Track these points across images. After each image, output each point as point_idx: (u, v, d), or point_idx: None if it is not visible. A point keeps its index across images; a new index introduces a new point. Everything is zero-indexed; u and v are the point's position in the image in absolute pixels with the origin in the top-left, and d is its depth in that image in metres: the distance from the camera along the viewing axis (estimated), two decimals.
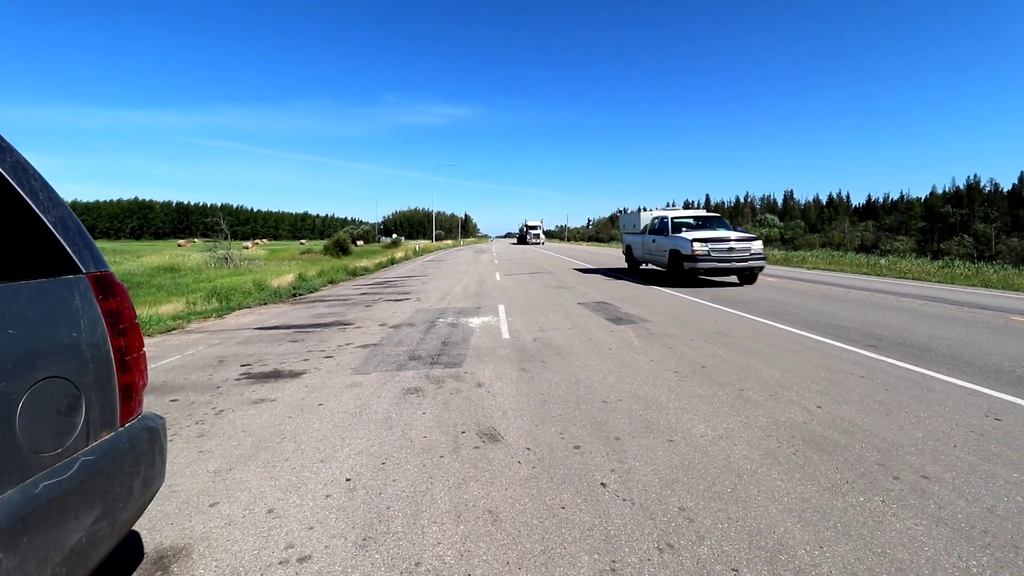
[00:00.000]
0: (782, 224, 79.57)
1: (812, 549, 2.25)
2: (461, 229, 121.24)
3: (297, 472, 3.17)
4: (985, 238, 44.74)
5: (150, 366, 6.09)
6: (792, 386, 4.64)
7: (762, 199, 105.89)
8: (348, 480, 3.04)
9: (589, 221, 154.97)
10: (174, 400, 4.75)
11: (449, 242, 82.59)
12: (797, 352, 5.94)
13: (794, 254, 33.98)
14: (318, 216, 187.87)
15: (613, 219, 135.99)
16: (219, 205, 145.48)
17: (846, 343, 6.40)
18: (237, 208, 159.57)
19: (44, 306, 1.42)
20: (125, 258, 41.05)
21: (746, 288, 13.00)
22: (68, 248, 1.55)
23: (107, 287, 1.68)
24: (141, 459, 1.72)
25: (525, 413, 4.08)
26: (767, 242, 63.94)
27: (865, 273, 19.56)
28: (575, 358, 5.85)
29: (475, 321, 8.58)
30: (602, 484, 2.89)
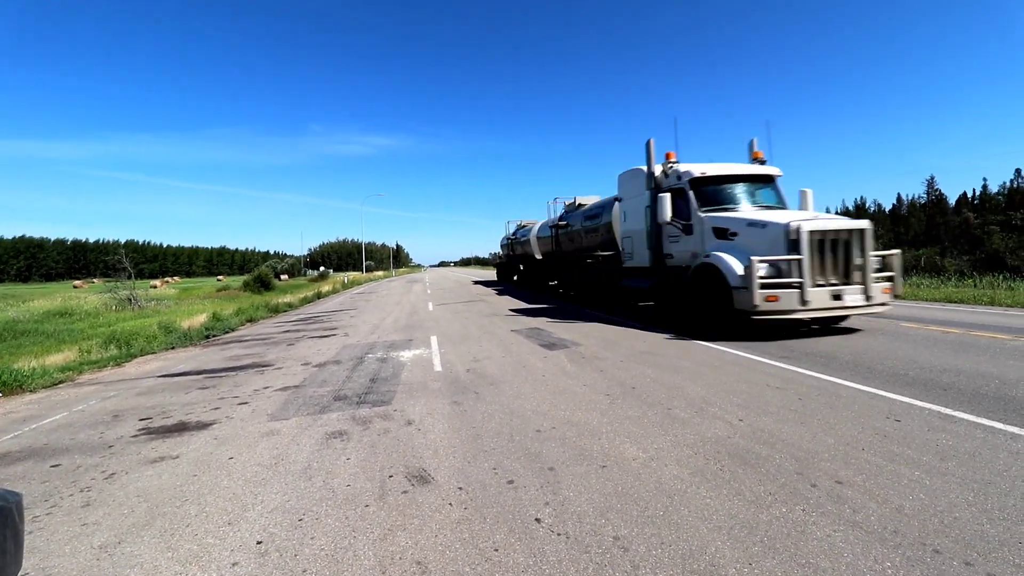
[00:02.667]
0: None
1: (742, 567, 2.26)
2: (393, 259, 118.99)
3: (199, 539, 2.82)
4: None
5: (32, 425, 5.36)
6: (716, 402, 4.80)
7: None
8: (259, 543, 2.73)
9: None
10: (56, 465, 4.15)
11: (380, 273, 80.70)
12: (719, 368, 6.20)
13: None
14: (237, 250, 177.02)
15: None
16: (123, 241, 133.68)
17: (761, 356, 6.78)
18: (144, 244, 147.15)
19: None
20: (8, 303, 36.34)
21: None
22: None
23: None
24: None
25: (457, 450, 3.92)
26: None
27: None
28: (509, 387, 5.76)
29: (406, 355, 8.30)
30: (536, 520, 2.78)
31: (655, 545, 2.47)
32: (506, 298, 19.67)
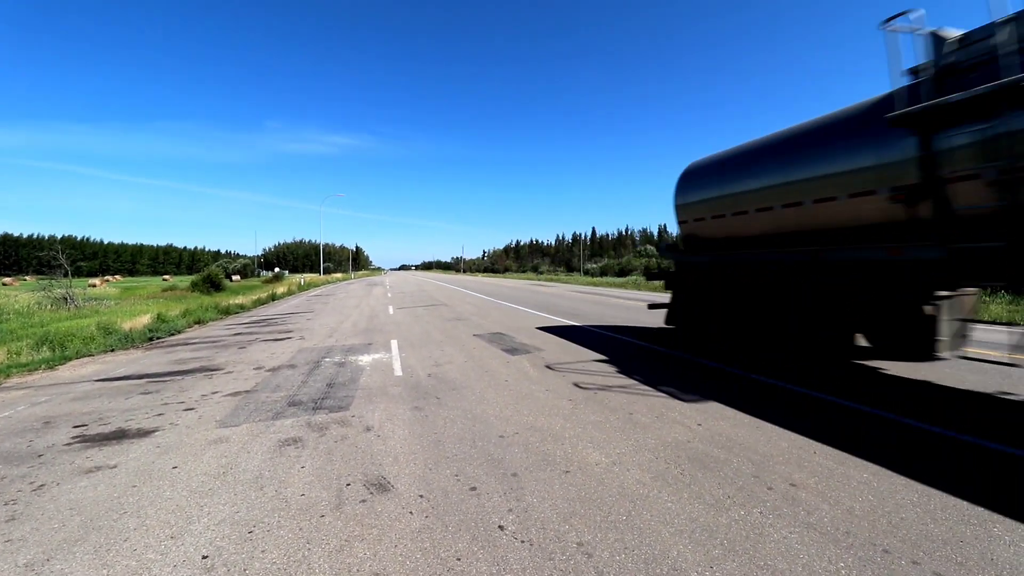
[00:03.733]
0: (658, 255, 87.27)
1: (704, 570, 2.29)
2: (352, 262, 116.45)
3: (139, 555, 2.62)
4: None
5: None
6: (675, 407, 4.90)
7: (640, 231, 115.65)
8: (205, 558, 2.57)
9: (484, 253, 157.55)
10: None
11: (339, 276, 78.78)
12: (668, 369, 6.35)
13: None
14: (185, 249, 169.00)
15: (507, 251, 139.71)
16: (59, 237, 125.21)
17: (721, 362, 6.98)
18: (82, 240, 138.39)
19: None
20: None
21: (631, 313, 13.85)
22: None
23: None
24: None
25: (418, 456, 3.83)
26: (646, 270, 69.69)
27: None
28: (471, 392, 5.70)
29: (365, 359, 8.09)
30: (500, 527, 2.74)
31: (618, 550, 2.48)
32: (472, 305, 19.50)
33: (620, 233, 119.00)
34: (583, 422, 4.50)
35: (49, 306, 23.61)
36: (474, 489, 3.22)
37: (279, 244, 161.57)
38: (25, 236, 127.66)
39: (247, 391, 6.14)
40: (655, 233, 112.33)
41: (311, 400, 5.61)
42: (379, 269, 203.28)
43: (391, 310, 17.22)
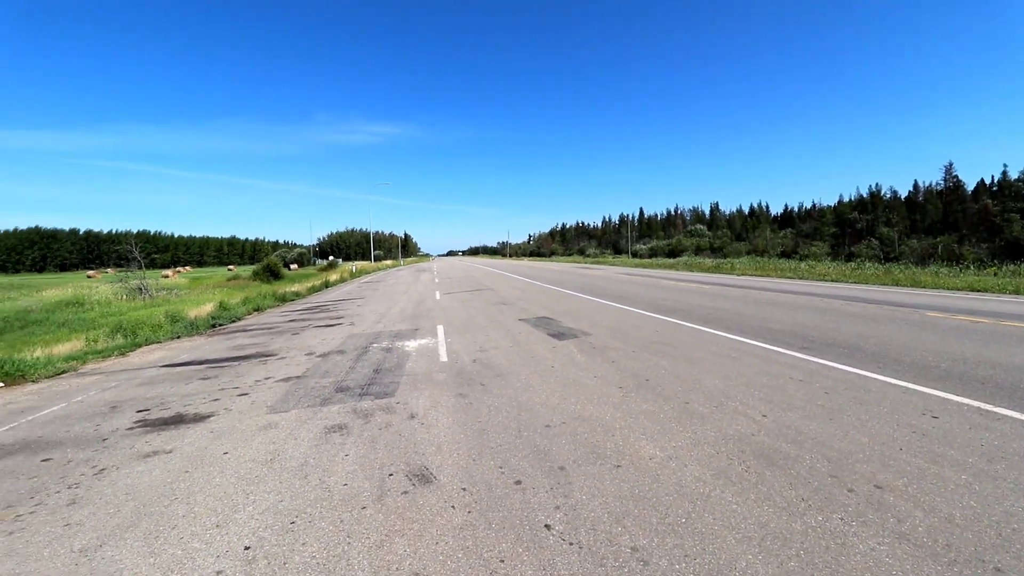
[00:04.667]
0: (711, 234, 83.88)
1: None
2: (401, 249, 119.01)
3: (184, 543, 2.62)
4: (889, 241, 49.09)
5: (29, 417, 5.21)
6: (736, 395, 4.54)
7: (691, 211, 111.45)
8: (247, 549, 2.53)
9: (530, 237, 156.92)
10: (47, 460, 3.98)
11: (388, 262, 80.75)
12: (736, 359, 5.93)
13: (724, 262, 35.72)
14: (247, 240, 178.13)
15: (553, 234, 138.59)
16: (135, 232, 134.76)
17: (780, 346, 6.48)
18: (155, 234, 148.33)
19: None
20: (22, 293, 36.77)
21: (684, 295, 13.28)
22: None
23: None
24: None
25: (462, 446, 3.70)
26: (698, 251, 67.27)
27: (789, 277, 20.71)
28: (516, 379, 5.54)
29: (411, 344, 8.09)
30: (546, 526, 2.56)
31: (678, 558, 2.24)
32: (518, 289, 19.39)
33: (669, 213, 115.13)
34: (634, 411, 4.23)
35: (125, 296, 25.40)
36: (519, 483, 3.05)
37: (332, 233, 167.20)
38: (105, 232, 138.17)
39: (298, 377, 6.24)
40: (707, 212, 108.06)
41: (358, 386, 5.62)
42: (427, 255, 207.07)
43: (438, 295, 17.34)
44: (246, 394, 5.59)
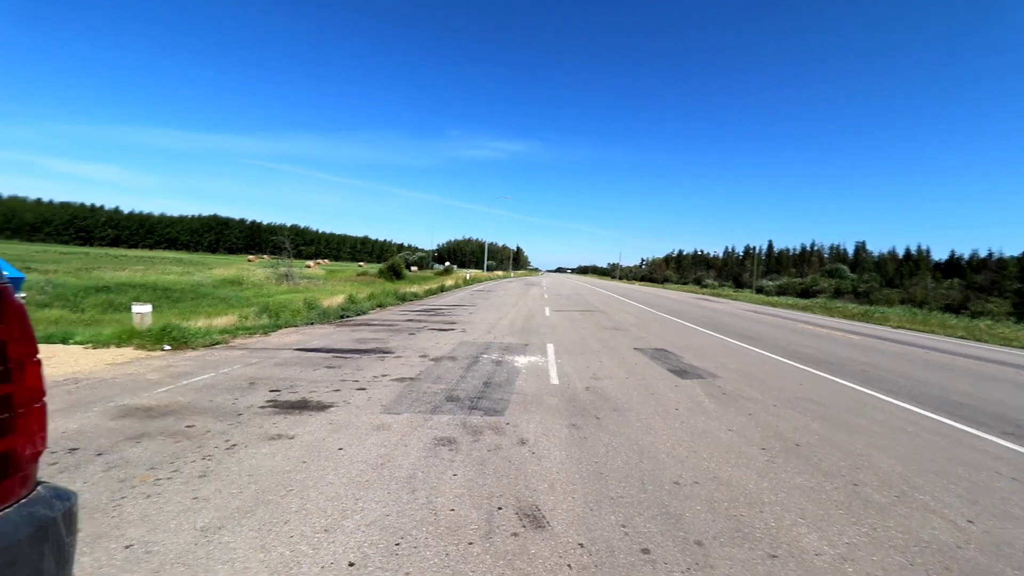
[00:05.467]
0: (854, 276, 74.28)
1: None
2: (513, 261, 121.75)
3: (294, 544, 2.56)
4: None
5: (184, 382, 5.80)
6: (923, 485, 3.62)
7: (830, 248, 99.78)
8: (351, 565, 2.39)
9: (643, 261, 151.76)
10: (190, 427, 4.33)
11: (499, 273, 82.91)
12: (914, 435, 4.84)
13: (873, 309, 31.25)
14: (377, 240, 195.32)
15: (667, 260, 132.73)
16: (287, 225, 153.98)
17: (973, 426, 5.21)
18: (303, 229, 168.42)
19: None
20: (198, 269, 43.54)
21: (828, 344, 11.60)
22: None
23: None
24: (17, 566, 1.14)
25: (577, 489, 3.32)
26: (837, 293, 59.78)
27: (960, 336, 17.37)
28: (635, 417, 5.02)
29: (521, 360, 7.89)
30: None
31: None
32: (632, 316, 18.56)
33: (804, 249, 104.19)
34: (786, 484, 3.53)
35: (275, 280, 28.71)
36: (647, 552, 2.59)
37: (450, 241, 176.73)
38: (264, 223, 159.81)
39: (411, 378, 6.31)
40: (849, 251, 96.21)
41: (467, 398, 5.49)
42: (536, 270, 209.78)
43: (547, 312, 17.14)
44: (364, 389, 5.73)
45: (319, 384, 5.89)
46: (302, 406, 5.01)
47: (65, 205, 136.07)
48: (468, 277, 47.42)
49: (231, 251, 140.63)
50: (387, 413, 4.85)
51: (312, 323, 11.84)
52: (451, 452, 3.89)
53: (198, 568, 2.36)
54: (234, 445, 3.91)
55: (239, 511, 2.89)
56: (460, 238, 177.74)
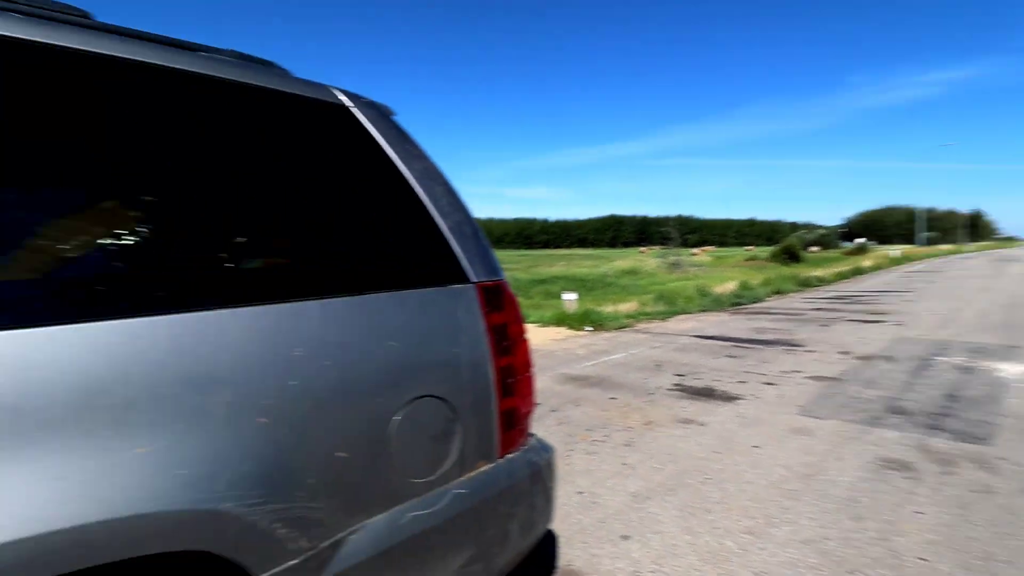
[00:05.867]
0: None
1: None
2: (969, 230, 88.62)
3: (719, 538, 2.50)
4: None
5: (604, 358, 6.74)
6: None
7: None
8: None
9: None
10: (613, 398, 4.94)
11: (945, 248, 61.92)
12: None
13: None
14: (765, 221, 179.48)
15: None
16: (673, 216, 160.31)
17: None
18: (687, 218, 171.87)
19: (426, 317, 1.31)
20: (601, 262, 50.69)
21: None
22: (459, 255, 1.42)
23: (496, 298, 1.49)
24: (519, 500, 1.47)
25: None
26: None
27: None
28: None
29: (1008, 369, 5.52)
30: None
31: None
32: None
33: None
34: None
35: (665, 269, 30.28)
36: None
37: (862, 212, 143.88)
38: (652, 217, 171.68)
39: (832, 378, 5.35)
40: None
41: (923, 413, 4.21)
42: (1011, 239, 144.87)
43: None
44: (772, 384, 5.22)
45: (722, 373, 5.73)
46: (708, 394, 4.97)
47: (516, 220, 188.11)
48: (895, 255, 37.46)
49: (626, 245, 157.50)
50: (806, 415, 4.23)
51: (705, 310, 11.79)
52: (908, 481, 3.03)
53: (633, 530, 2.59)
54: (650, 422, 4.21)
55: (662, 487, 3.05)
56: (877, 207, 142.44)
